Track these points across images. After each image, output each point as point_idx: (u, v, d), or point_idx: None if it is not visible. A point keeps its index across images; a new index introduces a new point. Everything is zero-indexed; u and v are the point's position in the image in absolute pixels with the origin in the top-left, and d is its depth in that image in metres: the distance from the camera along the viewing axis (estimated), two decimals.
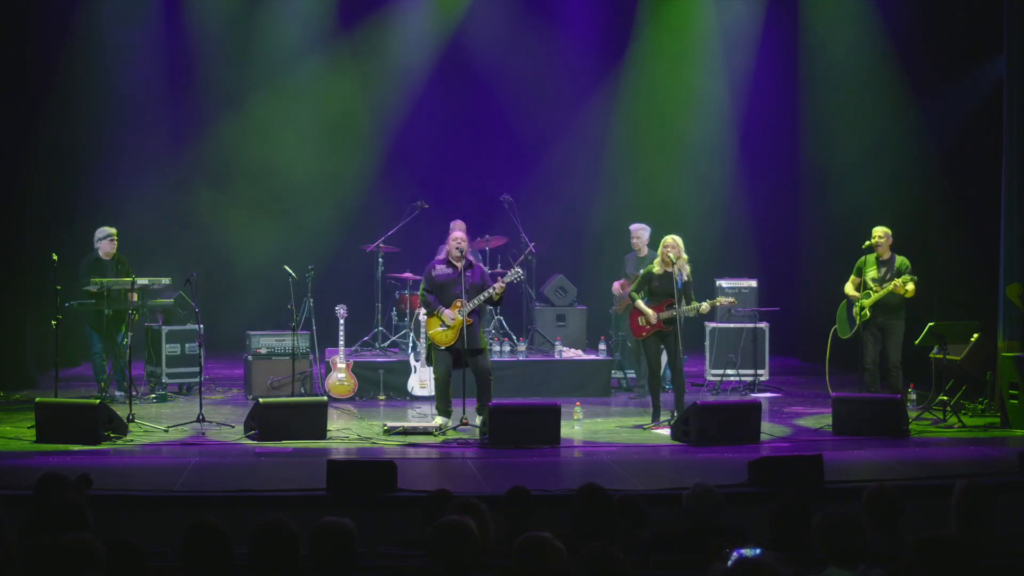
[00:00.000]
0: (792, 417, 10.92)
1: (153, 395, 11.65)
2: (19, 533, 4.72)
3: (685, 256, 10.37)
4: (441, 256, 10.41)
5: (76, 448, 9.00)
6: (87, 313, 11.38)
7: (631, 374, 12.67)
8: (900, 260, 10.71)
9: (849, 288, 10.90)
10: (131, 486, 7.74)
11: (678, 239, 10.39)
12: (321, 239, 14.86)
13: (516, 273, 10.45)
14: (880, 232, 10.73)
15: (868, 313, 10.57)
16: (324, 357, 12.05)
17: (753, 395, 12.06)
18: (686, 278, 10.19)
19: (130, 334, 11.04)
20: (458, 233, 10.29)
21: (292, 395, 11.09)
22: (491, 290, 10.06)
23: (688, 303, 10.23)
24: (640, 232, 12.17)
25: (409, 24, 15.07)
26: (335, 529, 4.39)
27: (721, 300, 11.06)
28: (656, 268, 10.33)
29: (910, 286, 10.43)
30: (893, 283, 10.47)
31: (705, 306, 10.42)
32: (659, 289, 10.29)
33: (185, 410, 10.77)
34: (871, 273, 10.69)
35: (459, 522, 4.37)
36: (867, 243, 10.74)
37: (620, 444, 9.59)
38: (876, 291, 10.60)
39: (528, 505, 5.66)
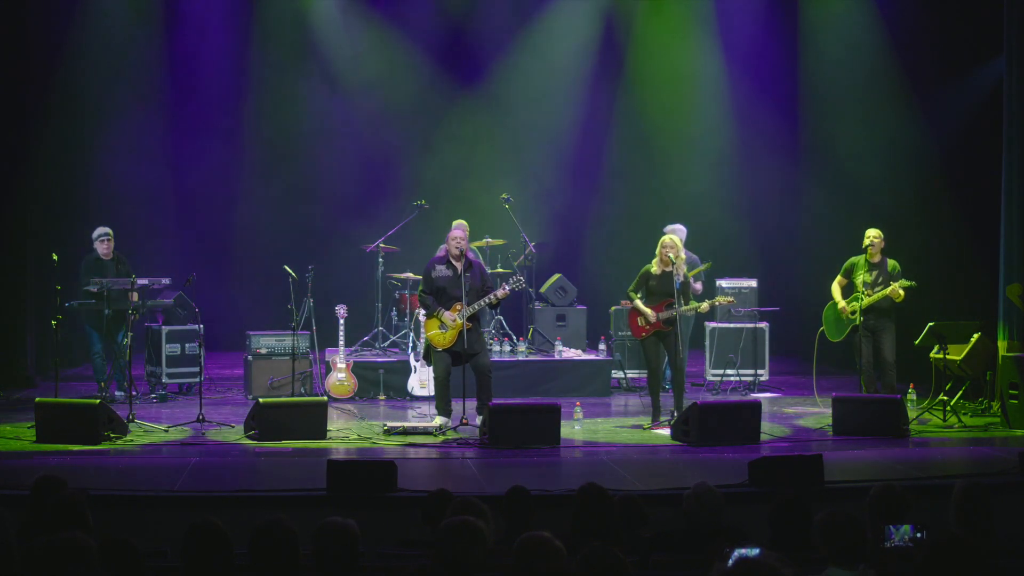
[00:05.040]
0: (792, 417, 10.91)
1: (153, 395, 11.65)
2: (18, 533, 4.72)
3: (683, 256, 10.38)
4: (440, 254, 10.39)
5: (76, 448, 8.99)
6: (87, 313, 11.39)
7: (631, 374, 12.68)
8: (891, 263, 10.69)
9: (835, 289, 10.89)
10: (131, 486, 7.74)
11: (676, 239, 10.39)
12: (321, 239, 14.88)
13: (518, 281, 10.45)
14: (874, 234, 10.71)
15: (860, 318, 10.54)
16: (324, 357, 12.05)
17: (753, 395, 12.06)
18: (683, 278, 10.18)
19: (130, 334, 11.04)
20: (457, 232, 10.25)
21: (292, 395, 11.10)
22: (491, 296, 10.05)
23: (687, 302, 10.23)
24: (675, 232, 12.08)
25: (410, 23, 15.07)
26: (339, 529, 4.39)
27: (720, 299, 11.06)
28: (654, 268, 10.32)
29: (901, 292, 10.43)
30: (891, 287, 10.46)
31: (704, 305, 10.42)
32: (657, 289, 10.28)
33: (185, 410, 10.76)
34: (862, 276, 10.67)
35: (470, 523, 4.37)
36: (864, 244, 10.72)
37: (620, 444, 9.59)
38: (867, 295, 10.59)
39: (528, 505, 5.65)
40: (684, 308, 10.19)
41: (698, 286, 11.78)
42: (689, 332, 12.07)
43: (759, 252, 15.31)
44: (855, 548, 4.50)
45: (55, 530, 4.04)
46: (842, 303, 10.76)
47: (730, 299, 11.38)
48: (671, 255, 10.18)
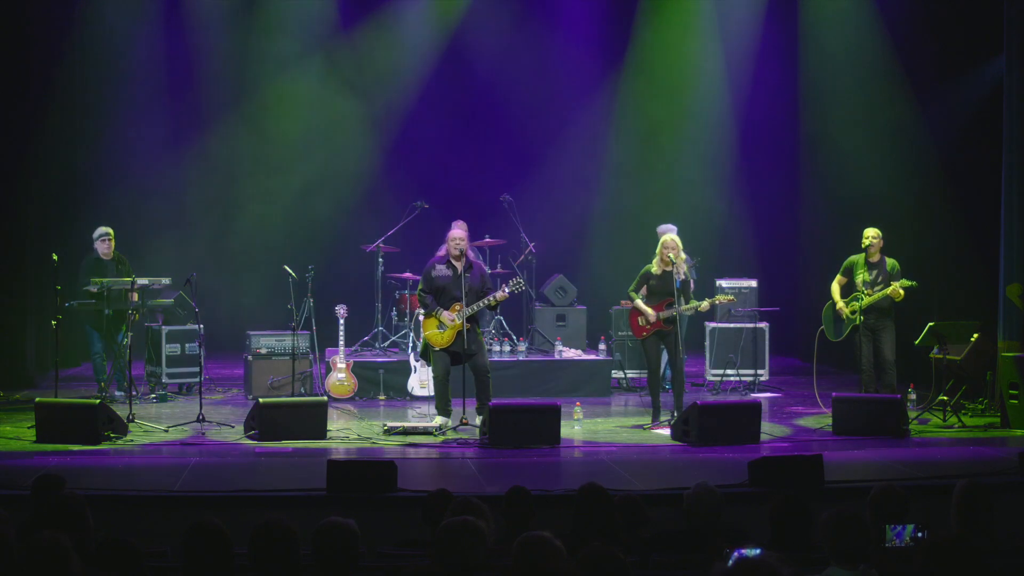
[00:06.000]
0: (792, 417, 10.92)
1: (153, 395, 11.65)
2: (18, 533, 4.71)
3: (683, 256, 10.38)
4: (441, 254, 10.39)
5: (76, 448, 8.99)
6: (87, 313, 11.38)
7: (631, 374, 12.69)
8: (891, 263, 10.69)
9: (835, 288, 10.89)
10: (131, 486, 7.74)
11: (677, 239, 10.40)
12: (321, 239, 14.88)
13: (518, 283, 10.44)
14: (872, 233, 10.71)
15: (861, 318, 10.55)
16: (324, 357, 12.05)
17: (753, 395, 12.06)
18: (683, 277, 10.19)
19: (130, 334, 11.04)
20: (457, 232, 10.24)
21: (292, 395, 11.10)
22: (491, 298, 10.05)
23: (687, 302, 10.24)
24: (666, 232, 12.08)
25: (409, 23, 15.07)
26: (339, 529, 4.39)
27: (720, 298, 11.06)
28: (654, 268, 10.34)
29: (901, 291, 10.43)
30: (891, 287, 10.46)
31: (705, 304, 10.41)
32: (658, 288, 10.30)
33: (185, 410, 10.76)
34: (861, 276, 10.67)
35: (470, 523, 4.37)
36: (863, 244, 10.72)
37: (620, 444, 9.59)
38: (867, 294, 10.58)
39: (528, 505, 5.65)
40: (684, 307, 10.19)
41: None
42: (684, 334, 12.07)
43: (759, 252, 15.32)
44: (859, 548, 4.50)
45: (43, 530, 4.03)
46: (840, 302, 10.76)
47: (730, 297, 11.39)
48: (671, 255, 10.20)
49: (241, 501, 7.35)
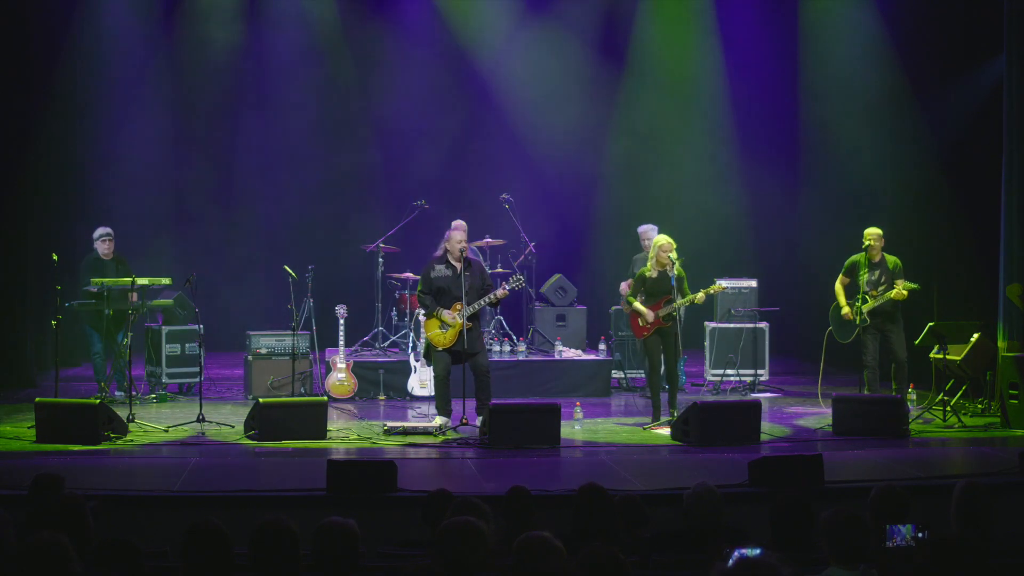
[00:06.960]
0: (792, 417, 10.91)
1: (153, 395, 11.65)
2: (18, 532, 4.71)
3: (675, 254, 10.40)
4: (439, 253, 10.36)
5: (76, 448, 8.99)
6: (87, 313, 11.39)
7: (631, 374, 12.69)
8: (892, 261, 10.69)
9: (839, 289, 10.89)
10: (131, 486, 7.75)
11: (670, 239, 10.41)
12: (321, 239, 14.88)
13: (518, 280, 10.44)
14: (873, 234, 10.70)
15: (868, 319, 10.57)
16: (324, 357, 12.05)
17: (753, 395, 12.06)
18: (677, 273, 10.22)
19: (130, 334, 11.04)
20: (457, 233, 10.23)
21: (292, 395, 11.10)
22: (492, 296, 10.05)
23: (683, 297, 10.26)
24: (649, 233, 12.12)
25: (411, 23, 15.07)
26: (339, 529, 4.39)
27: (714, 288, 11.08)
28: (649, 271, 10.36)
29: (905, 292, 10.44)
30: (895, 290, 10.46)
31: (700, 296, 10.42)
32: (655, 289, 10.33)
33: (185, 410, 10.76)
34: (864, 276, 10.67)
35: (470, 523, 4.37)
36: (864, 244, 10.72)
37: (620, 444, 9.59)
38: (872, 295, 10.58)
39: (528, 505, 5.65)
40: (681, 302, 10.22)
41: None
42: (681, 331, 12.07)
43: (759, 252, 15.32)
44: (859, 548, 4.49)
45: (43, 530, 4.03)
46: (846, 308, 10.76)
47: (722, 287, 11.44)
48: (672, 255, 10.23)
49: (241, 501, 7.35)
